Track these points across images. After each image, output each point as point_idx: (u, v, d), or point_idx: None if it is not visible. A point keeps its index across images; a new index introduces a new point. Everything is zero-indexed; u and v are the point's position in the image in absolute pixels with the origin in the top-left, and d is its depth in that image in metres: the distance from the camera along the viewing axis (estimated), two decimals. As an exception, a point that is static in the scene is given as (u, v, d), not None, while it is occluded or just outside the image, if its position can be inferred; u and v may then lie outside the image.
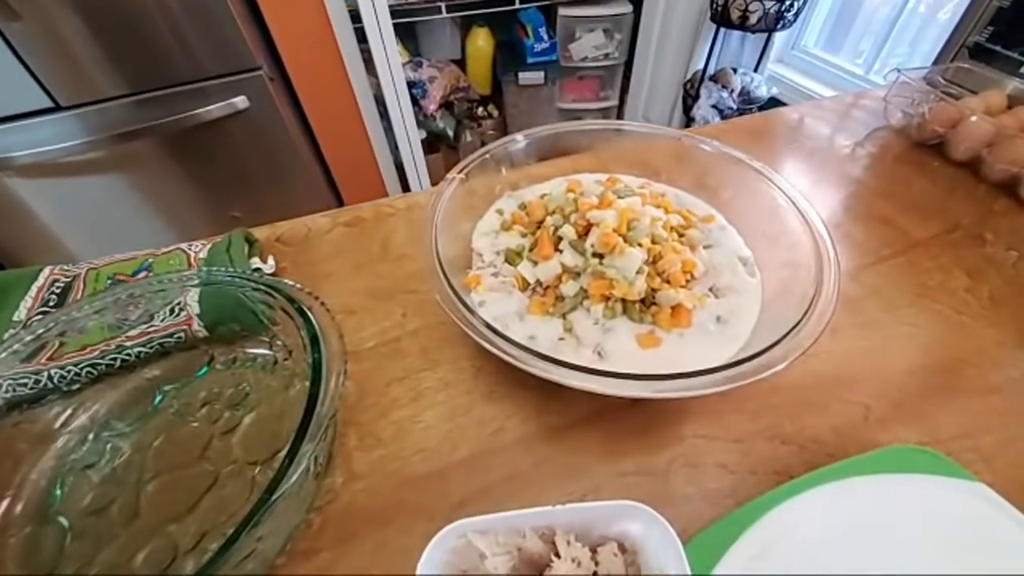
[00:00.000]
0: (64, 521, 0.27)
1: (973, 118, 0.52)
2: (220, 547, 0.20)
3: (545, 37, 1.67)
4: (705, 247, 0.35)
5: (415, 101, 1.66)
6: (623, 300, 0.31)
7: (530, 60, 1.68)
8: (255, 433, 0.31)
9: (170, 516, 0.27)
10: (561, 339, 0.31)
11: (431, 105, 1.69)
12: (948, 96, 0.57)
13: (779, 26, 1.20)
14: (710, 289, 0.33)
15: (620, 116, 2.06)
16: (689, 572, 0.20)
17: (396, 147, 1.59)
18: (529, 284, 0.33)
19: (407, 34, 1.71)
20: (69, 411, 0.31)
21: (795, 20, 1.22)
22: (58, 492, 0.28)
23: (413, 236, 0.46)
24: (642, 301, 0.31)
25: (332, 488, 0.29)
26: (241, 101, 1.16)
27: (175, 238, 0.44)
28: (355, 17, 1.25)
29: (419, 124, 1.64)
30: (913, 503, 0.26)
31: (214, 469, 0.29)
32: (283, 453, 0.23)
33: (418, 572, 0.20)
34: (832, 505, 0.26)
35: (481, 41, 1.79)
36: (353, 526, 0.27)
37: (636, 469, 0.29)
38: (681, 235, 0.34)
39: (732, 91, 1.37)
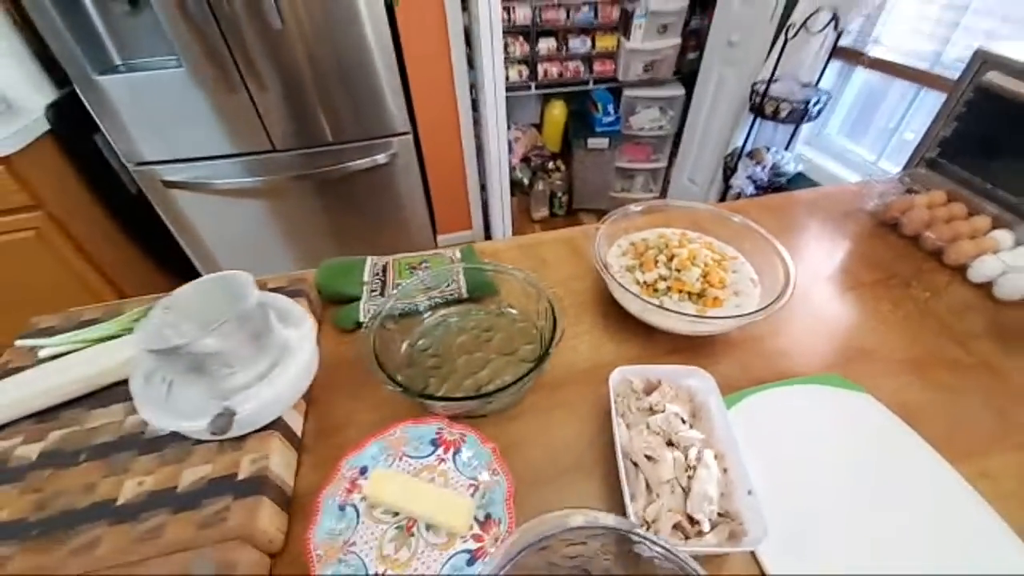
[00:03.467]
0: (425, 361, 0.59)
1: (916, 208, 0.81)
2: (503, 387, 0.51)
3: (612, 111, 2.05)
4: (732, 272, 0.66)
5: (503, 156, 2.05)
6: (688, 293, 0.62)
7: (598, 129, 2.06)
8: (500, 343, 0.63)
9: (471, 372, 0.59)
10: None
11: (514, 159, 2.09)
12: (909, 192, 0.87)
13: (804, 119, 1.52)
14: (734, 293, 0.64)
15: (667, 177, 2.40)
16: (725, 407, 0.49)
17: (484, 188, 1.97)
18: (640, 282, 0.65)
19: (501, 104, 2.12)
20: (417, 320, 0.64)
21: (817, 116, 1.54)
22: (418, 347, 0.61)
23: (568, 256, 0.78)
24: (698, 294, 0.62)
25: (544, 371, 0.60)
26: (382, 157, 1.53)
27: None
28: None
29: (505, 174, 2.02)
30: (827, 398, 0.55)
31: (483, 355, 0.61)
32: (527, 351, 0.55)
33: (610, 382, 0.50)
34: (784, 395, 0.55)
35: (557, 111, 2.19)
36: (551, 389, 0.58)
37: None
38: (719, 263, 0.65)
39: (765, 166, 1.69)
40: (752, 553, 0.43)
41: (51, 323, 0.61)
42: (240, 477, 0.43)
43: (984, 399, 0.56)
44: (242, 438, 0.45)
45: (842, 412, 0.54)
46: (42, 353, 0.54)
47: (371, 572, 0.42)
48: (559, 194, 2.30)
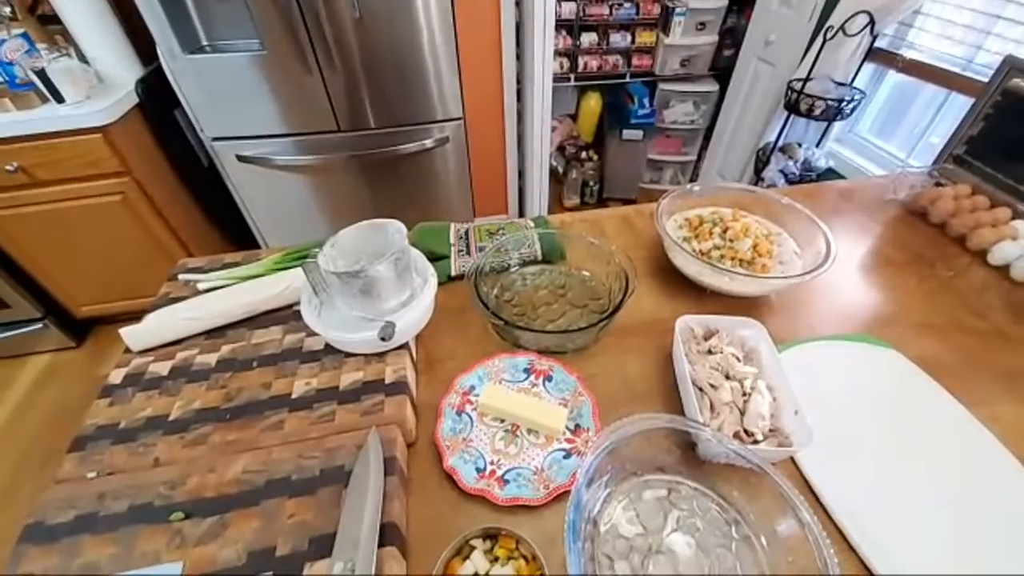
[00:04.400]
0: (510, 309, 0.70)
1: (943, 198, 0.90)
2: (587, 326, 0.61)
3: (647, 104, 2.12)
4: (777, 245, 0.75)
5: (542, 144, 2.14)
6: (740, 260, 0.71)
7: (633, 121, 2.14)
8: (573, 297, 0.73)
9: (550, 319, 0.69)
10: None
11: (551, 148, 2.17)
12: (938, 185, 0.95)
13: (837, 117, 1.59)
14: (779, 262, 0.73)
15: (696, 170, 2.47)
16: (775, 349, 0.59)
17: (522, 175, 2.06)
18: (695, 251, 0.74)
19: (541, 94, 2.20)
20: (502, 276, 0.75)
21: (851, 114, 1.60)
22: (503, 298, 0.71)
23: (624, 230, 0.88)
24: (748, 261, 0.71)
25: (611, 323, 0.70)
26: (430, 141, 1.62)
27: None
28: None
29: (543, 161, 2.11)
30: (859, 352, 0.64)
31: (559, 306, 0.71)
32: (596, 305, 0.65)
33: (676, 329, 0.60)
34: (822, 347, 0.64)
35: (592, 103, 2.27)
36: (620, 335, 0.68)
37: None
38: (767, 236, 0.74)
39: (796, 161, 1.76)
40: (794, 462, 0.53)
41: (198, 264, 0.73)
42: (387, 381, 0.54)
43: (996, 359, 0.65)
44: (383, 354, 0.56)
45: (873, 363, 0.64)
46: (201, 286, 0.66)
47: (489, 460, 0.52)
48: (591, 183, 2.38)
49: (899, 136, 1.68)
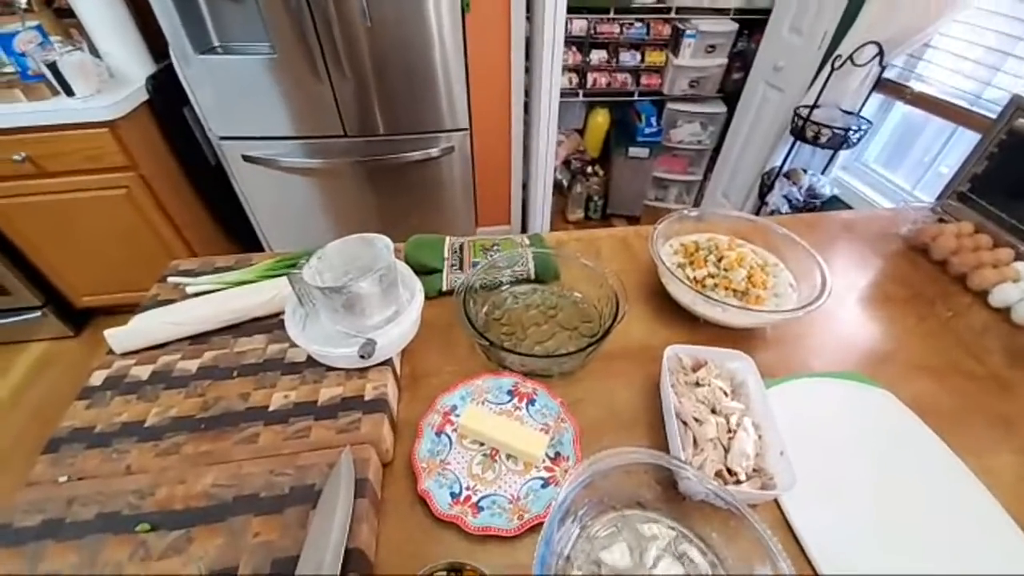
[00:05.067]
0: (499, 328, 0.69)
1: (945, 235, 0.88)
2: (574, 351, 0.61)
3: (654, 123, 2.13)
4: (773, 277, 0.74)
5: (547, 158, 2.14)
6: (734, 290, 0.70)
7: (639, 139, 2.14)
8: (564, 319, 0.72)
9: (539, 341, 0.69)
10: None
11: (557, 161, 2.18)
12: (941, 221, 0.94)
13: (843, 146, 1.59)
14: (774, 294, 0.72)
15: (702, 191, 2.47)
16: (763, 385, 0.58)
17: (526, 187, 2.07)
18: (690, 278, 0.73)
19: (549, 108, 2.21)
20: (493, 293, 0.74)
21: (857, 143, 1.60)
22: (493, 316, 0.70)
23: (621, 251, 0.87)
24: (742, 292, 0.70)
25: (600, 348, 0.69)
26: (435, 151, 1.62)
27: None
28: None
29: (548, 175, 2.11)
30: (850, 391, 0.63)
31: (549, 328, 0.70)
32: (586, 328, 0.64)
33: (663, 359, 0.59)
34: (812, 384, 0.63)
35: (600, 118, 2.28)
36: (608, 360, 0.67)
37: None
38: (762, 267, 0.73)
39: (801, 187, 1.75)
40: (777, 505, 0.52)
41: (190, 266, 0.73)
42: (366, 398, 0.53)
43: (993, 407, 0.64)
44: (364, 370, 0.56)
45: (862, 404, 0.62)
46: (189, 289, 0.66)
47: (464, 485, 0.51)
48: (595, 198, 2.38)
49: (906, 167, 1.67)
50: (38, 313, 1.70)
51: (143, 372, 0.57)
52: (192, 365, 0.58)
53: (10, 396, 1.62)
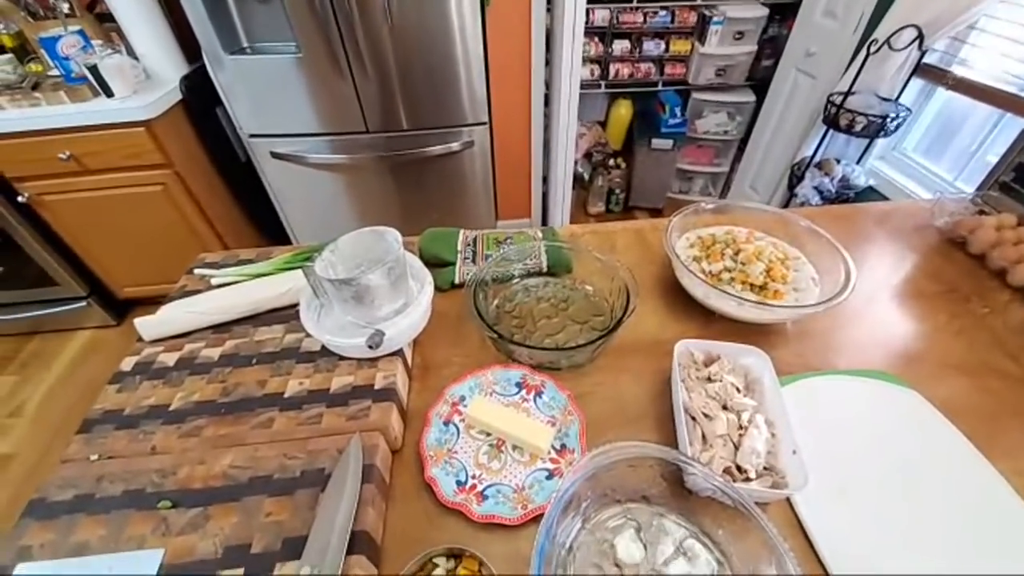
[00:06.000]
0: (510, 321, 0.69)
1: (984, 228, 0.83)
2: (583, 344, 0.60)
3: (678, 113, 2.08)
4: (794, 271, 0.72)
5: (568, 151, 2.12)
6: (751, 285, 0.69)
7: (663, 130, 2.09)
8: (575, 313, 0.72)
9: (549, 334, 0.68)
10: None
11: (578, 154, 2.16)
12: (981, 213, 0.88)
13: (880, 134, 1.51)
14: (794, 289, 0.70)
15: (728, 183, 2.40)
16: (778, 382, 0.56)
17: (546, 180, 2.05)
18: (705, 271, 0.72)
19: (570, 100, 2.18)
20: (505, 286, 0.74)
21: (895, 131, 1.52)
22: (504, 308, 0.71)
23: (636, 244, 0.86)
24: (760, 286, 0.69)
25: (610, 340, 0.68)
26: (456, 144, 1.63)
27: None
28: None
29: (569, 168, 2.09)
30: (875, 390, 0.61)
31: (560, 321, 0.70)
32: (597, 322, 0.63)
33: (674, 352, 0.58)
34: (834, 382, 0.61)
35: (623, 110, 2.24)
36: (618, 354, 0.66)
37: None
38: (783, 261, 0.71)
39: (833, 178, 1.68)
40: (790, 505, 0.51)
41: (215, 259, 0.76)
42: (376, 387, 0.54)
43: (1028, 408, 0.60)
44: (375, 359, 0.57)
45: (887, 404, 0.60)
46: (214, 281, 0.68)
47: (470, 474, 0.52)
48: (617, 191, 2.35)
49: (949, 156, 1.58)
50: (83, 303, 1.81)
51: (170, 359, 0.60)
52: (215, 353, 0.60)
53: (58, 380, 1.73)
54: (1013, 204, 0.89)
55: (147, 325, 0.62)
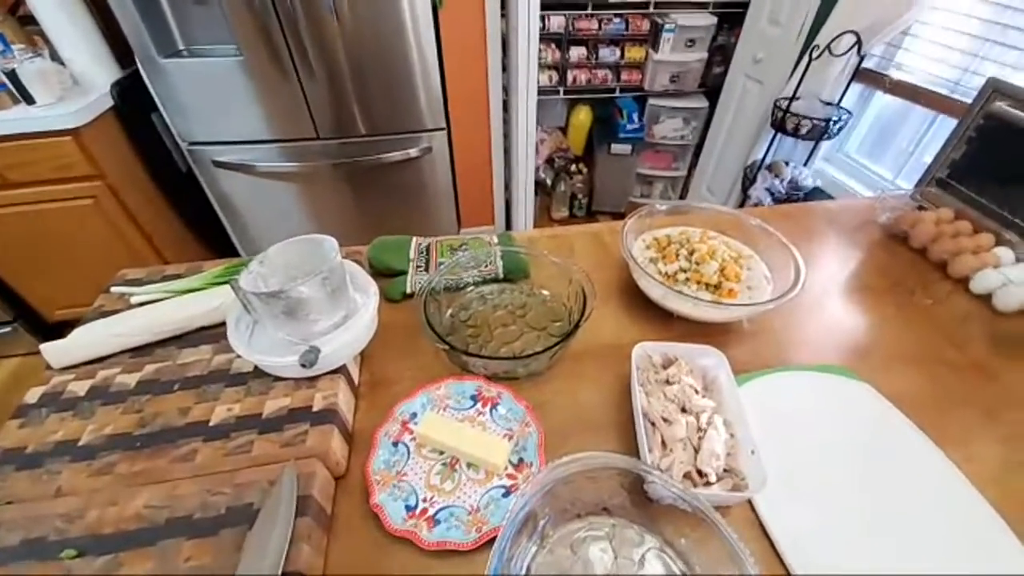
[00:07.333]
0: (465, 330, 0.66)
1: (924, 223, 0.87)
2: (539, 352, 0.58)
3: (636, 119, 2.11)
4: (747, 269, 0.72)
5: (529, 156, 2.12)
6: (706, 284, 0.68)
7: (621, 135, 2.12)
8: (532, 319, 0.69)
9: (506, 342, 0.66)
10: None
11: (539, 160, 2.16)
12: (920, 209, 0.92)
13: (823, 137, 1.57)
14: (748, 287, 0.70)
15: (686, 186, 2.45)
16: (735, 381, 0.55)
17: (508, 187, 2.04)
18: (661, 272, 0.71)
19: (530, 106, 2.18)
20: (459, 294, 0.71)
21: (837, 134, 1.59)
22: (459, 317, 0.68)
23: (593, 247, 0.85)
24: (715, 285, 0.68)
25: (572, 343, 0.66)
26: (415, 151, 1.59)
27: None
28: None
29: (530, 174, 2.09)
30: (829, 384, 0.61)
31: (517, 328, 0.68)
32: (555, 328, 0.61)
33: (633, 354, 0.57)
34: (789, 379, 0.61)
35: (582, 116, 2.26)
36: (577, 360, 0.64)
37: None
38: (736, 260, 0.71)
39: (783, 179, 1.74)
40: (751, 505, 0.49)
41: (138, 275, 0.69)
42: (315, 409, 0.50)
43: (975, 396, 0.61)
44: (315, 378, 0.53)
45: (842, 397, 0.60)
46: (134, 299, 0.62)
47: (421, 497, 0.48)
48: (579, 196, 2.36)
49: (888, 157, 1.66)
50: (8, 328, 1.65)
51: (81, 388, 0.54)
52: (131, 379, 0.54)
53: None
54: (950, 199, 0.93)
55: (55, 351, 0.55)
